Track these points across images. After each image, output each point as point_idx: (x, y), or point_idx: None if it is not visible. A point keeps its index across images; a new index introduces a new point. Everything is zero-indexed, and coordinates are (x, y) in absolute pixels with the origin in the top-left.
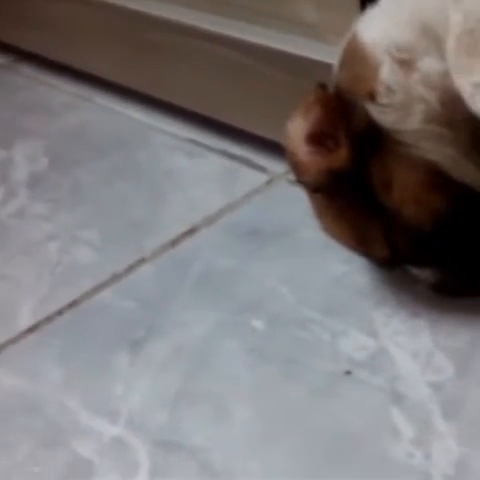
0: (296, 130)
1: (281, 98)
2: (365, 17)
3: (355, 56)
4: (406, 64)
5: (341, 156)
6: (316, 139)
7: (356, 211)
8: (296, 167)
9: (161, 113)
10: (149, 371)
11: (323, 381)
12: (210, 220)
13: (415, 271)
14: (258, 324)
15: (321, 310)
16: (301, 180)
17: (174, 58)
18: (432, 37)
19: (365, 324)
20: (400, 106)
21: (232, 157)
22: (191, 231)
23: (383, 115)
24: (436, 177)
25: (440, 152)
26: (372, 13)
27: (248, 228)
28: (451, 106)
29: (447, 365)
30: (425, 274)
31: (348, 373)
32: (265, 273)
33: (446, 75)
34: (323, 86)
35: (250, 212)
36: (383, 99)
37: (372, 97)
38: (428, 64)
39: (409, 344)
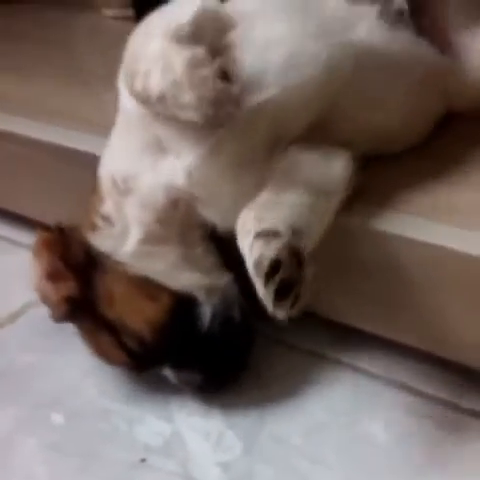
0: (36, 270)
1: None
2: (106, 150)
3: (94, 189)
4: (126, 191)
5: (68, 285)
6: (52, 276)
7: (94, 331)
8: (47, 304)
9: None
10: None
11: (118, 472)
12: (15, 316)
13: (173, 374)
14: (58, 418)
15: (121, 400)
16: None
17: None
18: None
19: (161, 409)
20: (117, 234)
21: None
22: None
23: (101, 242)
24: (149, 288)
25: (151, 268)
26: (109, 146)
27: (53, 323)
28: (166, 222)
29: (236, 444)
30: (182, 377)
31: (143, 461)
32: (69, 367)
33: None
34: (57, 228)
35: None
36: (102, 230)
37: (93, 229)
38: (143, 182)
39: (202, 425)
